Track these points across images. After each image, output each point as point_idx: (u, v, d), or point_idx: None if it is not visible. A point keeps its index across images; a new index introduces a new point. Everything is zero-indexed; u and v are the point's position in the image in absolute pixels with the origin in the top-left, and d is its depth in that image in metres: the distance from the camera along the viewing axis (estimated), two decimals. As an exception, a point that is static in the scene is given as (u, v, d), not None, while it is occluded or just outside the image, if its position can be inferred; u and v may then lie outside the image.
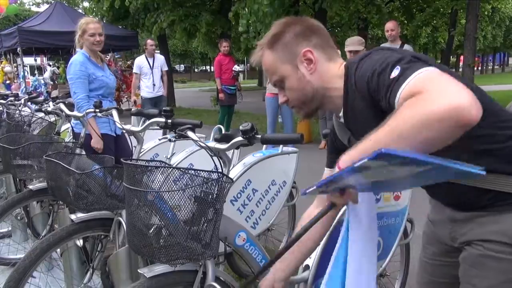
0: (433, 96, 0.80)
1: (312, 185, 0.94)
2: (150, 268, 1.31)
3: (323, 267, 1.77)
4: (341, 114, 1.16)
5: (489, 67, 48.15)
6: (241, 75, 8.69)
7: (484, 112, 0.80)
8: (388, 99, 0.92)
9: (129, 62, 12.77)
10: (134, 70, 6.75)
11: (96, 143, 2.88)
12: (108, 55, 11.32)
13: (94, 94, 3.01)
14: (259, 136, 1.27)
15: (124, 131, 1.88)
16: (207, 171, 1.25)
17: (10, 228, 3.09)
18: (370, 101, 1.01)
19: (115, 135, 3.16)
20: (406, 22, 17.38)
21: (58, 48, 11.54)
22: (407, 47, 5.70)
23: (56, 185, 1.72)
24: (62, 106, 2.55)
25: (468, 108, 0.77)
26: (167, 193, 1.21)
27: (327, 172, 1.36)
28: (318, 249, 1.73)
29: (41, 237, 2.44)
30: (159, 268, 1.31)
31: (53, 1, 16.27)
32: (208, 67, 54.43)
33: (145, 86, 6.65)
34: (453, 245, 1.17)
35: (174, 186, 1.25)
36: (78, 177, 1.61)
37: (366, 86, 0.99)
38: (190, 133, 1.53)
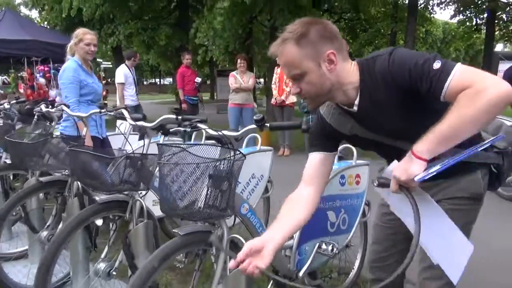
0: (484, 87, 1.08)
1: (426, 170, 1.13)
2: (181, 229, 1.65)
3: (306, 234, 2.18)
4: (356, 102, 1.34)
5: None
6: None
7: None
8: (434, 86, 1.16)
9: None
10: (121, 80, 6.77)
11: (87, 143, 3.13)
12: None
13: (84, 99, 3.24)
14: (268, 124, 1.66)
15: (136, 126, 2.20)
16: (227, 147, 1.61)
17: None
18: (408, 86, 1.21)
19: (101, 138, 3.42)
20: (351, 41, 18.71)
21: (9, 56, 11.18)
22: (355, 63, 6.38)
23: (83, 173, 1.99)
24: (64, 107, 2.79)
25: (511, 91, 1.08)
26: (198, 164, 1.54)
27: (319, 156, 1.48)
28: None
29: (46, 226, 2.64)
30: (188, 228, 1.66)
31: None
32: (157, 80, 53.77)
33: (129, 95, 6.85)
34: None
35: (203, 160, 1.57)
36: (111, 162, 1.92)
37: (407, 74, 1.20)
38: (201, 125, 1.91)
